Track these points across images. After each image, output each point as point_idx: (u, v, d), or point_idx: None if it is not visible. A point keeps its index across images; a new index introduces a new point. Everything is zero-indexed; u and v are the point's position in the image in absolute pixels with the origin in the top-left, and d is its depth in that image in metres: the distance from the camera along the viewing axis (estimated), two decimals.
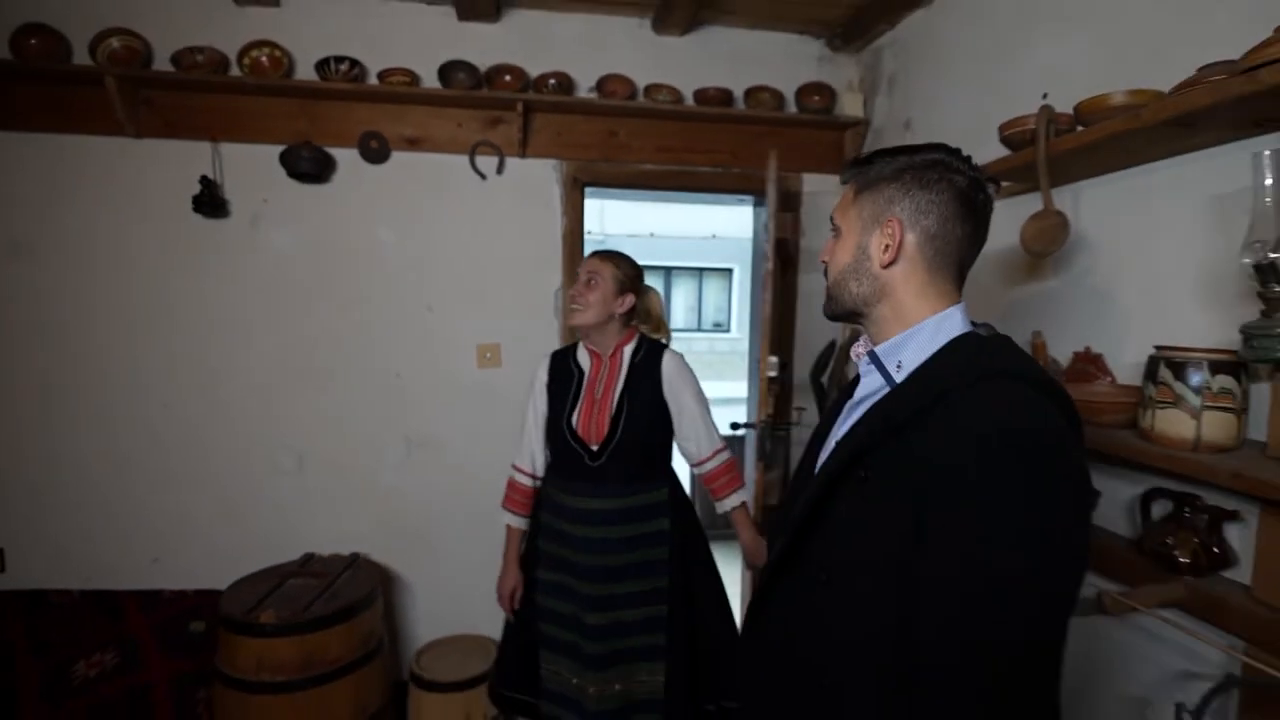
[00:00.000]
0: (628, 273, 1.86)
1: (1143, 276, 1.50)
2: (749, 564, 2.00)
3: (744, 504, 1.93)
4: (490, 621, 2.65)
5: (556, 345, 2.65)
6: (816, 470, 0.99)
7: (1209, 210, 1.34)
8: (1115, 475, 1.51)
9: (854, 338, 2.70)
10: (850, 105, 2.66)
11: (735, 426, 2.66)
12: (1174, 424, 1.22)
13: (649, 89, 2.58)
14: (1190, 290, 1.38)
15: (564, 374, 1.90)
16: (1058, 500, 0.78)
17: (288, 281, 2.49)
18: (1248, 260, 1.09)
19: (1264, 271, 1.07)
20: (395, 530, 2.62)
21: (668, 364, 1.86)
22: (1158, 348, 1.28)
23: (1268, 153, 1.07)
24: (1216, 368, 1.18)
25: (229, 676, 2.04)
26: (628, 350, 1.87)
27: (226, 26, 2.37)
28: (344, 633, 2.13)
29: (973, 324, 0.93)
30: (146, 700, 1.96)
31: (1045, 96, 1.70)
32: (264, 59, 2.34)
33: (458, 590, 2.66)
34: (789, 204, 2.79)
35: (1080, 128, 1.45)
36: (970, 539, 0.77)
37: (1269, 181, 1.06)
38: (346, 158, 2.47)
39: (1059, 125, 1.49)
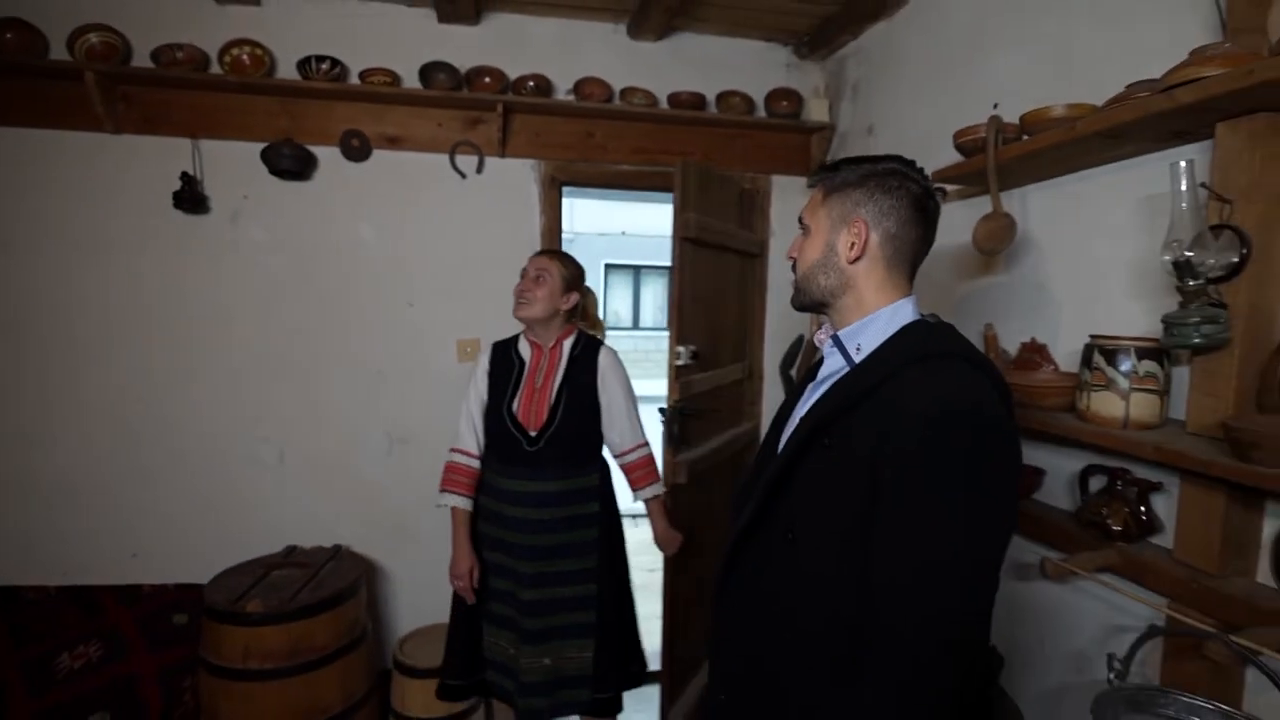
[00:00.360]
0: (573, 272, 2.00)
1: (1081, 272, 1.65)
2: (663, 552, 2.16)
3: (659, 496, 2.08)
4: None
5: None
6: (784, 443, 1.09)
7: (1137, 213, 1.49)
8: (1058, 454, 1.66)
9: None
10: (816, 111, 2.79)
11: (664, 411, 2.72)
12: (1106, 405, 1.35)
13: (624, 92, 2.66)
14: (1121, 284, 1.53)
15: (505, 363, 2.01)
16: (991, 471, 0.90)
17: (269, 277, 2.51)
18: (1167, 258, 1.23)
19: (1180, 268, 1.21)
20: (377, 523, 2.66)
21: (603, 358, 2.00)
22: (1092, 336, 1.41)
23: (1183, 163, 1.20)
24: (1142, 354, 1.32)
25: (215, 665, 2.07)
26: (567, 344, 2.00)
27: (206, 24, 2.39)
28: (330, 621, 2.18)
29: (921, 314, 1.05)
30: (133, 690, 1.99)
31: (996, 107, 1.85)
32: (245, 57, 2.36)
33: (439, 580, 2.67)
34: (757, 203, 2.92)
35: (1025, 137, 1.58)
36: (915, 508, 0.88)
37: (1184, 188, 1.20)
38: (328, 155, 2.51)
39: (1007, 134, 1.63)
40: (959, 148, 1.76)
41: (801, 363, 2.89)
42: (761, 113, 2.81)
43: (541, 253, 2.04)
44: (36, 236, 2.33)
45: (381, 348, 2.63)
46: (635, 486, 2.07)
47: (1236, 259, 1.19)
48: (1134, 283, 1.50)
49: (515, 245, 2.69)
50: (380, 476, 2.66)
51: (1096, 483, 1.53)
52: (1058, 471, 1.68)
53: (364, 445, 2.65)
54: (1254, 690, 1.24)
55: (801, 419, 1.05)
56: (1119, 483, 1.46)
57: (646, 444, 2.08)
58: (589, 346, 2.02)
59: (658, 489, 2.08)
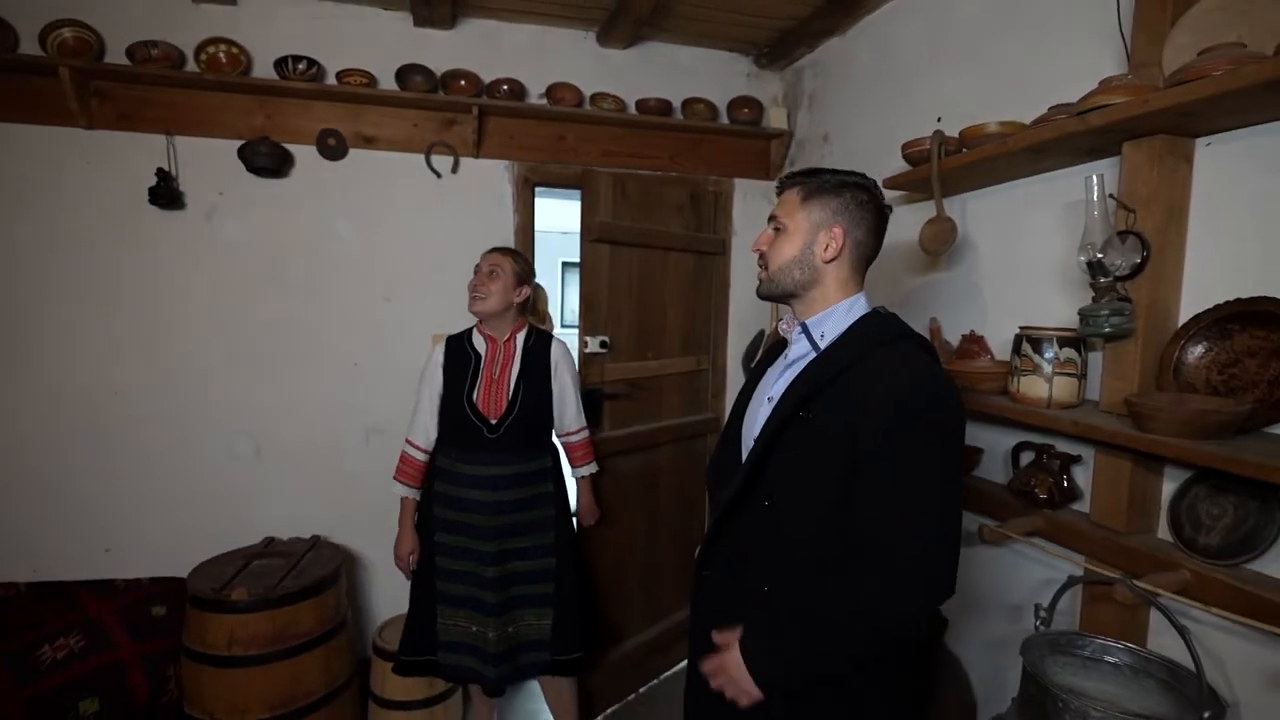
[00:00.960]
0: (524, 267, 2.14)
1: (1012, 270, 1.85)
2: (581, 521, 2.40)
3: (590, 475, 2.34)
4: None
5: None
6: (761, 421, 1.23)
7: (1059, 218, 1.69)
8: (994, 433, 1.86)
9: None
10: (775, 118, 2.96)
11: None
12: (1033, 387, 1.54)
13: (594, 97, 2.78)
14: (1046, 281, 1.73)
15: (460, 356, 2.12)
16: (955, 444, 1.10)
17: (245, 273, 2.55)
18: (1083, 259, 1.42)
19: (1093, 267, 1.40)
20: (353, 514, 2.72)
21: (556, 349, 2.17)
22: (1021, 327, 1.60)
23: (1095, 176, 1.39)
24: (1062, 342, 1.51)
25: (200, 653, 2.11)
26: (520, 336, 2.14)
27: (181, 22, 2.41)
28: (314, 607, 2.24)
29: (871, 306, 1.23)
30: (120, 677, 2.01)
31: (939, 121, 2.04)
32: (221, 55, 2.40)
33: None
34: (720, 204, 3.07)
35: (965, 149, 1.76)
36: (902, 482, 1.05)
37: (1096, 198, 1.39)
38: (305, 154, 2.56)
39: (949, 147, 1.81)
40: (906, 158, 1.94)
41: (763, 356, 3.06)
42: (724, 119, 2.96)
43: (493, 250, 2.15)
44: (5, 230, 2.32)
45: (358, 342, 2.69)
46: (574, 464, 2.30)
47: (1139, 260, 1.39)
48: (1056, 279, 1.70)
49: (490, 243, 2.73)
50: (357, 468, 2.72)
51: (1026, 457, 1.73)
52: (993, 450, 1.88)
53: (341, 437, 2.70)
54: (1155, 632, 1.44)
55: (781, 398, 1.20)
56: (1044, 457, 1.66)
57: (587, 428, 2.30)
58: (541, 339, 2.17)
59: (592, 468, 2.33)
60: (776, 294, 1.27)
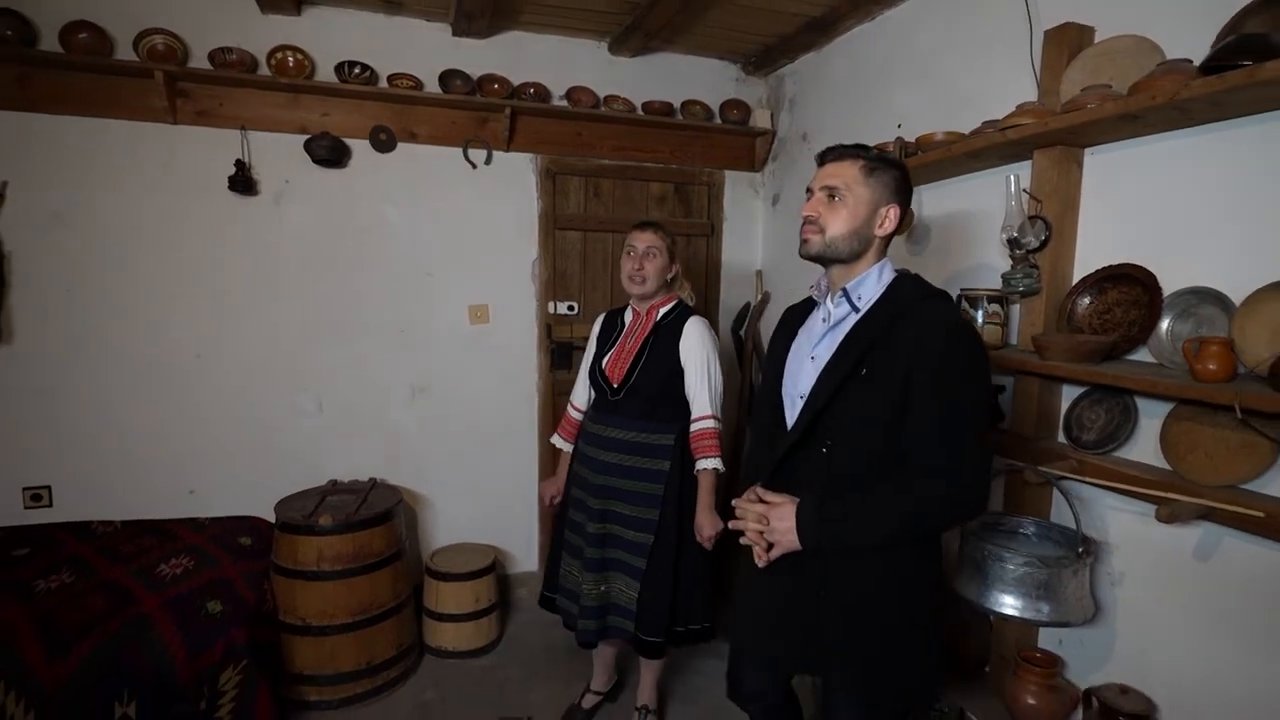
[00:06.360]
0: (674, 243, 2.20)
1: (959, 247, 2.36)
2: (697, 529, 2.10)
3: (709, 470, 2.09)
4: (488, 532, 3.25)
5: (534, 305, 3.27)
6: (815, 378, 1.37)
7: (989, 206, 2.20)
8: None
9: (765, 301, 3.49)
10: (760, 119, 3.43)
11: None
12: None
13: (607, 99, 3.21)
14: (984, 254, 2.24)
15: (610, 326, 2.31)
16: (987, 357, 1.36)
17: (308, 250, 2.92)
18: (1004, 236, 1.93)
19: (1012, 243, 1.91)
20: (402, 461, 3.13)
21: (689, 326, 2.14)
22: (962, 289, 2.11)
23: (1013, 176, 1.90)
24: (991, 299, 2.02)
25: (292, 570, 2.52)
26: (662, 310, 2.19)
27: (252, 30, 2.75)
28: (384, 532, 2.66)
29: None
30: (232, 586, 2.39)
31: (899, 127, 2.53)
32: (290, 60, 2.75)
33: (455, 508, 3.23)
34: (712, 193, 3.54)
35: (920, 152, 2.26)
36: (947, 382, 1.25)
37: (1014, 191, 1.90)
38: (359, 147, 2.94)
39: (909, 149, 2.30)
40: None
41: (749, 325, 3.55)
42: (717, 119, 3.41)
43: (645, 227, 2.16)
44: (105, 212, 2.65)
45: (403, 311, 3.09)
46: (694, 456, 2.12)
47: (1044, 237, 1.90)
48: (991, 252, 2.21)
49: (517, 225, 3.21)
50: (404, 421, 3.13)
51: None
52: None
53: (390, 394, 3.11)
54: (1056, 513, 1.98)
55: (835, 356, 1.34)
56: None
57: (710, 417, 2.11)
58: (681, 315, 2.17)
59: (707, 463, 2.08)
60: (828, 257, 1.37)
